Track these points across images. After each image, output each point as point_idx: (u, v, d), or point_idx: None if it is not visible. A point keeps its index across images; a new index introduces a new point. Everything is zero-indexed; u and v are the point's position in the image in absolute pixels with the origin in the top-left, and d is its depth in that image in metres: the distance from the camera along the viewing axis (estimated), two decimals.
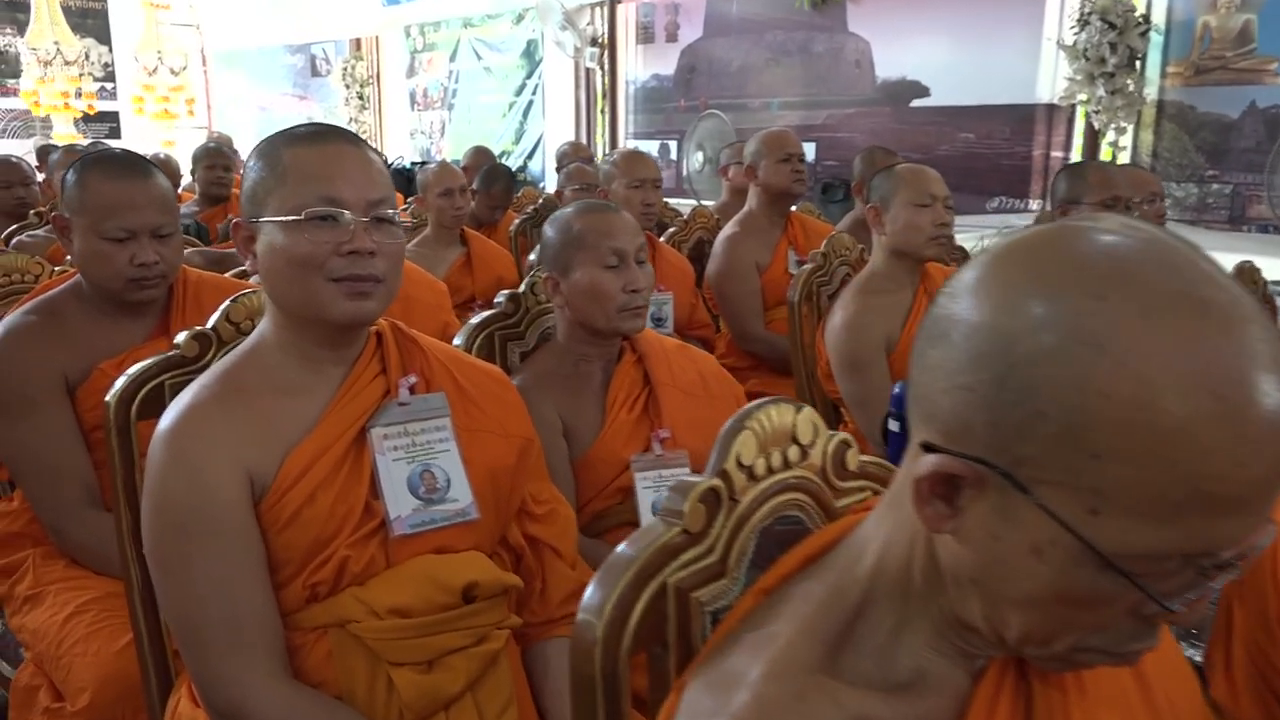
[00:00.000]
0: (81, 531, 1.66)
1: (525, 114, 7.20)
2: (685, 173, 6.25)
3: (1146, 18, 4.29)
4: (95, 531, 1.65)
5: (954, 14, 4.91)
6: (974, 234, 4.43)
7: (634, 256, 1.61)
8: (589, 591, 0.68)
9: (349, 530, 1.15)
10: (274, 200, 1.15)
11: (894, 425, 1.92)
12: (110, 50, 9.88)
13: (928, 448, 0.58)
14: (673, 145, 6.32)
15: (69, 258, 2.82)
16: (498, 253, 3.47)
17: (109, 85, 9.83)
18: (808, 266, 2.35)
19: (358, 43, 8.55)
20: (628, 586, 0.68)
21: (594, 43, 6.46)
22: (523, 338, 1.75)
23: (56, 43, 8.54)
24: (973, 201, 4.80)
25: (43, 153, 6.19)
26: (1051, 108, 4.69)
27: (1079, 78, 4.33)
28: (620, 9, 6.41)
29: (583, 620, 0.67)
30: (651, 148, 6.37)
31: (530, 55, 7.11)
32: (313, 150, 1.16)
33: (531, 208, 3.94)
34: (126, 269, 1.68)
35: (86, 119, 9.04)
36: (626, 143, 6.51)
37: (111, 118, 9.91)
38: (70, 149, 3.44)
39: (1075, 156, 4.67)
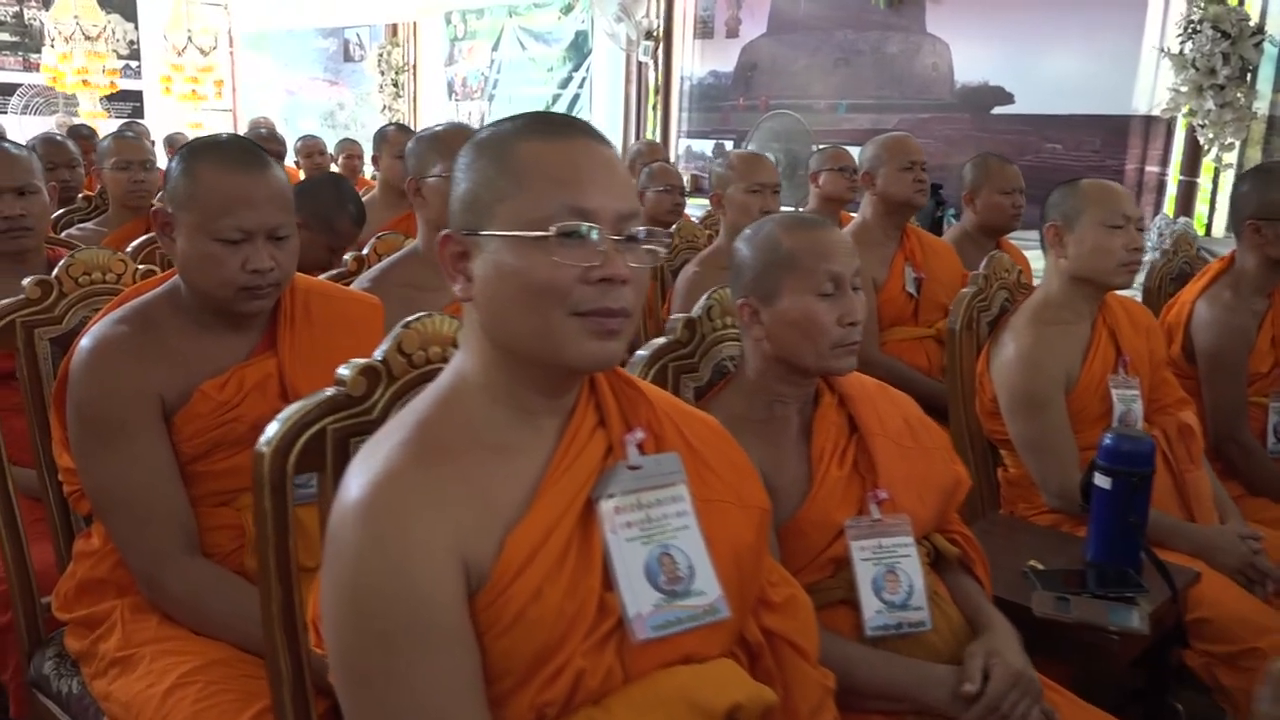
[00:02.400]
0: (179, 583, 1.41)
1: (571, 108, 6.95)
2: None
3: (1261, 28, 4.04)
4: (195, 584, 1.41)
5: (1044, 18, 4.66)
6: None
7: (850, 282, 1.36)
8: None
9: (581, 633, 0.90)
10: (506, 209, 0.90)
11: (1103, 481, 1.68)
12: (136, 28, 9.63)
13: None
14: (729, 145, 6.06)
15: (130, 249, 2.58)
16: None
17: (134, 64, 9.57)
18: (969, 290, 2.10)
19: (394, 28, 8.30)
20: None
21: (649, 36, 6.20)
22: (696, 370, 1.50)
23: (76, 17, 8.28)
24: None
25: (73, 133, 5.94)
26: (1149, 119, 4.44)
27: (1185, 89, 4.08)
28: (678, 2, 6.16)
29: None
30: (705, 147, 6.13)
31: (579, 47, 6.86)
32: (555, 147, 0.91)
33: None
34: (238, 275, 1.43)
35: (110, 98, 8.79)
36: (679, 141, 6.26)
37: (135, 97, 9.64)
38: (120, 136, 3.18)
39: (1173, 172, 4.42)
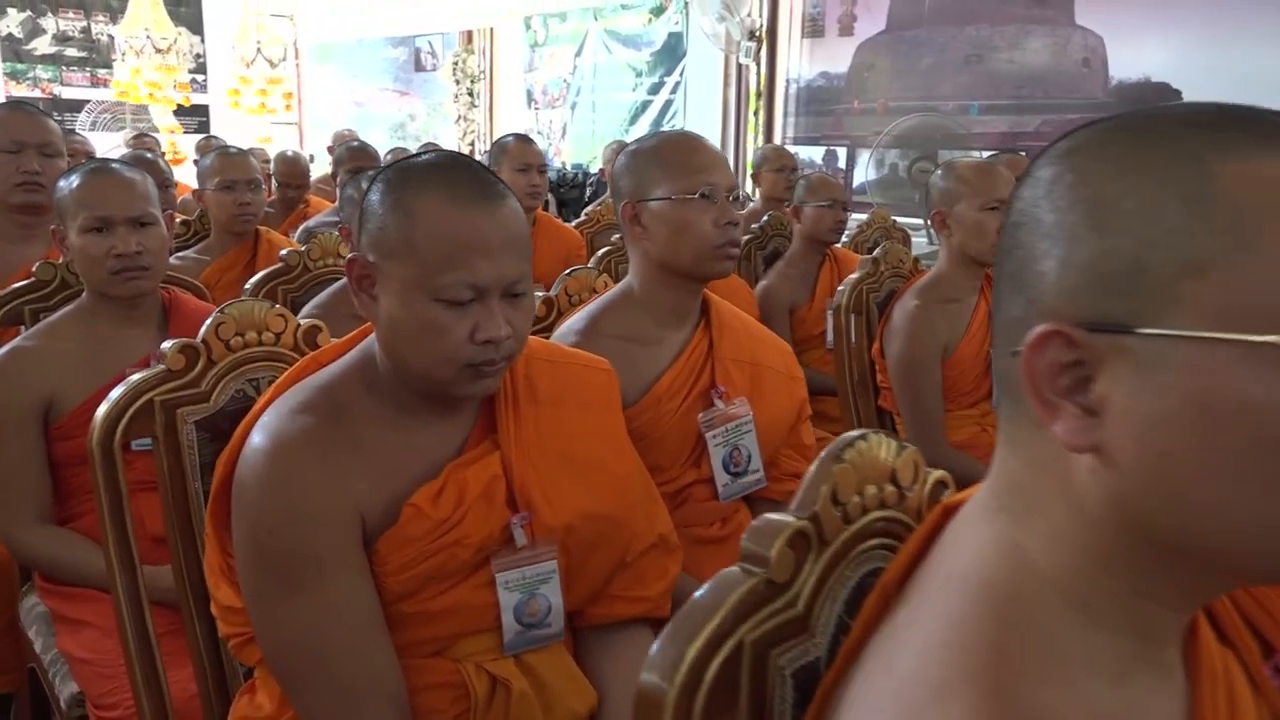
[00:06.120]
0: None
1: (663, 114, 6.53)
2: (863, 182, 5.52)
3: None
4: None
5: (1219, 4, 4.15)
6: None
7: None
8: None
9: None
10: (1218, 288, 0.48)
11: None
12: (202, 41, 9.42)
13: None
14: (841, 152, 5.62)
15: (249, 288, 2.21)
16: (740, 290, 2.78)
17: (200, 77, 9.34)
18: None
19: (469, 35, 7.96)
20: None
21: (751, 36, 5.78)
22: None
23: (146, 29, 8.05)
24: None
25: (140, 145, 5.67)
26: None
27: None
28: None
29: None
30: (814, 154, 5.69)
31: (671, 50, 6.44)
32: None
33: (756, 225, 3.28)
34: (464, 348, 1.04)
35: (175, 112, 8.56)
36: (786, 148, 5.82)
37: (202, 111, 9.42)
38: (224, 152, 2.81)
39: None
